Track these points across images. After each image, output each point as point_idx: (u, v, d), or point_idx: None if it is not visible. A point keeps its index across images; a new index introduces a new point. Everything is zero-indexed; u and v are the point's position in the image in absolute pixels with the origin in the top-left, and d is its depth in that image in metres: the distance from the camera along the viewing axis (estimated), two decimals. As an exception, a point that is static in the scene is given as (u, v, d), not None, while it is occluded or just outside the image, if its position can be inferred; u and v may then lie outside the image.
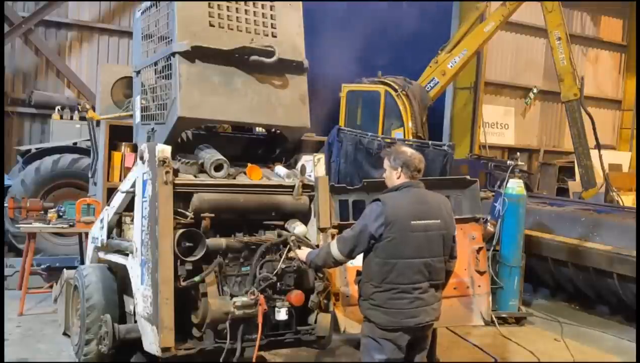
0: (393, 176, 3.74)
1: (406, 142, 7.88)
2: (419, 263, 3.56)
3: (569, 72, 11.32)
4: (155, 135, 4.28)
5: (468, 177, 5.99)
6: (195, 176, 4.12)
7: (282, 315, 4.06)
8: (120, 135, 6.70)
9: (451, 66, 11.50)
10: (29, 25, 10.51)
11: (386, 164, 3.80)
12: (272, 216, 4.37)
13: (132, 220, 4.34)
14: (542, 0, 11.61)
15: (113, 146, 6.86)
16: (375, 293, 3.57)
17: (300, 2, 4.49)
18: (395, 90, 10.76)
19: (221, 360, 3.90)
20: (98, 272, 4.72)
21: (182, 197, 3.98)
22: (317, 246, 4.25)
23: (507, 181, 7.03)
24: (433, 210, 3.66)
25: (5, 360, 4.74)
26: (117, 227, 4.76)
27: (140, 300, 3.97)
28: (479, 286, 5.20)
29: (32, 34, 10.67)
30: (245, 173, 4.30)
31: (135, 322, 4.14)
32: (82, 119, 9.37)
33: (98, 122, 7.03)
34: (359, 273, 3.76)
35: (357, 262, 3.81)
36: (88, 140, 7.62)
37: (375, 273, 3.57)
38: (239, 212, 4.22)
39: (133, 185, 4.22)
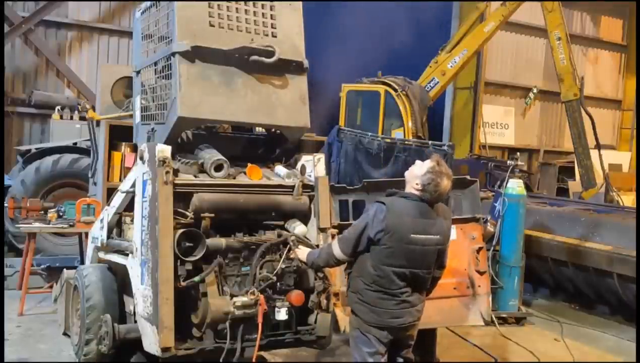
0: (412, 182, 3.62)
1: (406, 142, 7.87)
2: (408, 272, 3.60)
3: (569, 72, 11.33)
4: (155, 135, 4.28)
5: (468, 177, 5.98)
6: (195, 176, 4.12)
7: (282, 315, 4.06)
8: (120, 135, 6.70)
9: (451, 66, 11.50)
10: (29, 25, 10.52)
11: (421, 167, 3.61)
12: (272, 216, 4.37)
13: (132, 220, 4.34)
14: (542, 0, 11.62)
15: (113, 146, 6.87)
16: (365, 290, 3.63)
17: (300, 2, 4.49)
18: (395, 90, 10.76)
19: (221, 360, 3.91)
20: (98, 272, 4.72)
21: (182, 197, 3.98)
22: (317, 246, 4.26)
23: (507, 181, 7.03)
24: (435, 226, 3.63)
25: (5, 360, 4.74)
26: (117, 227, 4.76)
27: (140, 300, 3.97)
28: (479, 286, 5.19)
29: (32, 34, 10.68)
30: (245, 173, 4.30)
31: (135, 322, 4.14)
32: (82, 119, 9.38)
33: (98, 122, 7.03)
34: (349, 264, 3.78)
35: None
36: (88, 140, 7.62)
37: (367, 273, 3.61)
38: (239, 212, 4.22)
39: (133, 185, 4.22)
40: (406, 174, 3.72)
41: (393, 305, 3.61)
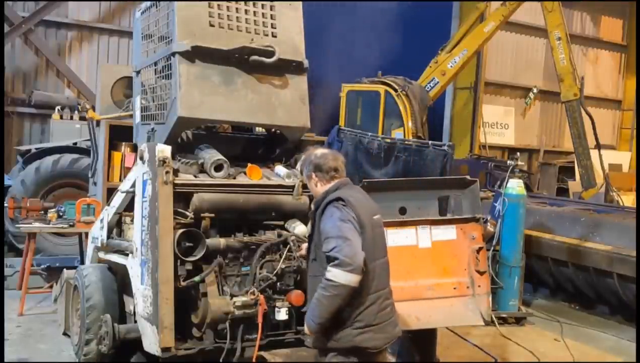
0: (312, 186, 3.36)
1: (406, 142, 7.88)
2: (384, 262, 3.27)
3: (569, 72, 11.33)
4: (155, 135, 4.28)
5: (468, 177, 5.98)
6: (195, 176, 4.12)
7: (282, 315, 4.06)
8: (120, 135, 6.70)
9: (451, 66, 11.50)
10: (29, 25, 10.52)
11: (303, 177, 3.45)
12: (272, 216, 4.37)
13: (132, 220, 4.34)
14: (542, 0, 11.62)
15: (113, 146, 6.87)
16: (362, 312, 3.12)
17: (300, 2, 4.49)
18: (395, 90, 10.76)
19: (221, 360, 3.91)
20: (98, 272, 4.73)
21: (182, 197, 3.99)
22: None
23: (507, 181, 7.03)
24: (376, 206, 3.38)
25: (5, 360, 4.74)
26: (117, 227, 4.77)
27: (140, 300, 3.97)
28: (479, 286, 5.19)
29: (32, 34, 10.67)
30: (245, 173, 4.31)
31: (135, 322, 4.15)
32: (82, 119, 9.38)
33: (98, 122, 7.03)
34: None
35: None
36: (88, 140, 7.62)
37: (356, 290, 3.05)
38: (239, 212, 4.22)
39: (133, 185, 4.23)
40: (315, 190, 3.37)
41: (390, 313, 3.26)
